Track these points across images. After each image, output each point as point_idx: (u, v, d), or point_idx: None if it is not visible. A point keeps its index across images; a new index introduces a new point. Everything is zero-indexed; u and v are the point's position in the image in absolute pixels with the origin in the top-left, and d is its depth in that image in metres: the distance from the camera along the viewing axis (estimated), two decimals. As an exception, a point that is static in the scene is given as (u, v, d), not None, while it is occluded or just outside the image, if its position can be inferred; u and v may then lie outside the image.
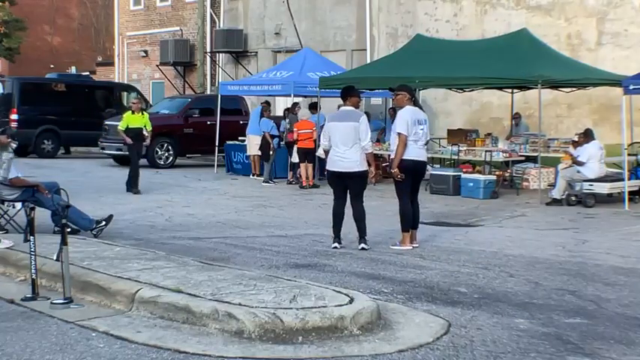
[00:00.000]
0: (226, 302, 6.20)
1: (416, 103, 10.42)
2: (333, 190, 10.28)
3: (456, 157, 17.62)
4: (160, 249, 9.29)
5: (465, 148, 17.86)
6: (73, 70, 36.78)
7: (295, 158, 18.50)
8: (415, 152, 10.01)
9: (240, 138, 21.71)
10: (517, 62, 15.99)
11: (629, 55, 20.05)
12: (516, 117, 19.98)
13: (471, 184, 16.24)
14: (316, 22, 27.44)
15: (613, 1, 20.86)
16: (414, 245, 10.15)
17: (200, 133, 23.14)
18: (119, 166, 23.15)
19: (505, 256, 9.77)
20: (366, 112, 22.19)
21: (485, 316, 6.76)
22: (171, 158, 23.14)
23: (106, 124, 23.65)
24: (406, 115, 9.99)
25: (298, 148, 18.23)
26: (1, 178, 9.47)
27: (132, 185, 16.14)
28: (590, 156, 14.94)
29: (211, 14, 31.13)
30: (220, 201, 15.39)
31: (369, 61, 23.98)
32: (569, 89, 18.37)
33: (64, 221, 7.16)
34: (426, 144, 10.44)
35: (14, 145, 9.86)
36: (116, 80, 35.24)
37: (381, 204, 14.04)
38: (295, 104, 20.31)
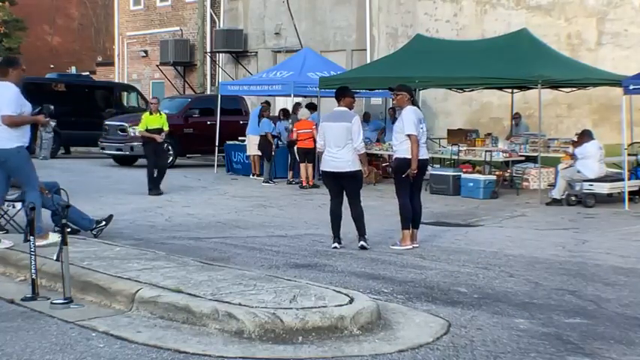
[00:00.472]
0: (226, 302, 6.20)
1: (414, 103, 10.45)
2: (329, 190, 10.33)
3: (456, 157, 17.63)
4: (160, 249, 9.29)
5: (465, 148, 17.87)
6: (73, 70, 36.79)
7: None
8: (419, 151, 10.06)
9: (240, 138, 21.72)
10: (517, 62, 15.99)
11: (629, 55, 20.05)
12: (516, 117, 19.98)
13: (471, 184, 16.25)
14: (316, 22, 27.44)
15: (613, 1, 20.87)
16: (415, 245, 10.16)
17: (200, 133, 23.14)
18: (119, 166, 23.17)
19: (505, 256, 9.77)
20: (366, 112, 22.38)
21: (485, 316, 6.76)
22: (171, 158, 23.11)
23: (106, 124, 23.66)
24: (412, 115, 10.02)
25: (298, 148, 18.24)
26: (42, 157, 9.44)
27: (153, 186, 15.88)
28: (587, 154, 14.93)
29: (211, 14, 31.13)
30: (220, 201, 15.40)
31: (369, 61, 23.99)
32: (569, 89, 18.37)
33: (64, 221, 7.16)
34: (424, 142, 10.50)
35: (53, 124, 9.71)
36: (116, 80, 35.25)
37: (381, 204, 14.05)
38: (298, 104, 20.32)
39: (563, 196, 15.01)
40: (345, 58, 25.94)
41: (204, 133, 22.80)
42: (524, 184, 17.43)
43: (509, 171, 17.66)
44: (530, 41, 17.09)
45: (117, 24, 36.31)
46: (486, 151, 17.15)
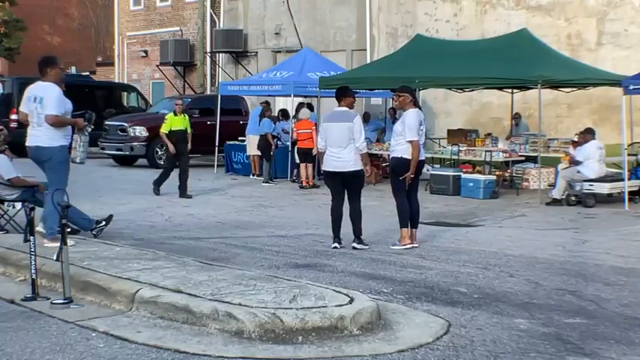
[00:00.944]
0: (226, 302, 6.20)
1: (416, 104, 10.44)
2: (331, 189, 10.34)
3: (456, 157, 17.62)
4: (159, 249, 9.29)
5: (465, 148, 17.86)
6: (73, 70, 36.75)
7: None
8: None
9: (240, 138, 21.72)
10: (517, 62, 15.98)
11: (629, 55, 20.05)
12: (516, 117, 19.98)
13: (471, 184, 16.25)
14: (316, 22, 27.44)
15: (613, 1, 20.87)
16: (414, 245, 10.16)
17: (200, 133, 23.04)
18: (119, 166, 23.18)
19: (505, 256, 9.77)
20: (366, 112, 22.39)
21: (485, 316, 6.76)
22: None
23: (106, 124, 23.66)
24: (414, 120, 9.98)
25: (298, 148, 18.24)
26: (79, 160, 9.63)
27: (181, 191, 15.62)
28: (587, 155, 14.94)
29: (211, 14, 31.13)
30: (220, 201, 15.40)
31: (369, 61, 23.99)
32: (569, 89, 18.37)
33: (64, 221, 7.16)
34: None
35: (89, 129, 9.90)
36: (116, 80, 35.24)
37: (381, 204, 14.05)
38: (301, 104, 20.31)
39: (563, 196, 15.01)
40: (345, 58, 25.94)
41: (204, 133, 22.71)
42: (524, 184, 17.42)
43: (509, 171, 17.65)
44: (530, 41, 17.09)
45: (117, 24, 36.30)
46: (486, 151, 17.15)
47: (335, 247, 10.03)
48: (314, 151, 17.30)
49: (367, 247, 10.06)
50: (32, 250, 7.17)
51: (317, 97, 20.17)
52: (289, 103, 21.30)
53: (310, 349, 5.71)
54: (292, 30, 27.82)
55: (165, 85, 33.22)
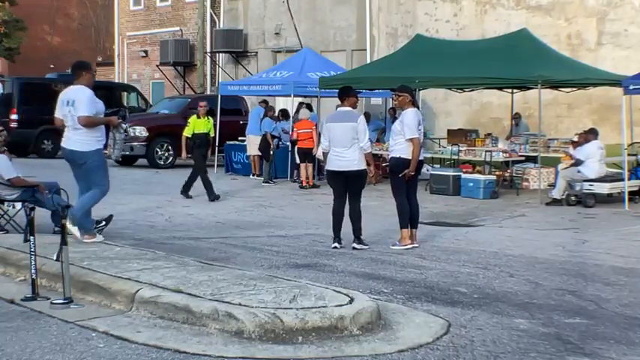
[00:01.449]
0: (226, 302, 6.20)
1: (415, 104, 10.46)
2: (333, 189, 10.34)
3: (456, 157, 17.62)
4: (159, 249, 9.29)
5: (465, 148, 17.86)
6: (73, 70, 36.72)
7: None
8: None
9: (240, 138, 21.71)
10: (517, 62, 15.99)
11: (629, 55, 20.06)
12: (516, 117, 19.99)
13: (471, 184, 16.25)
14: (316, 22, 27.44)
15: (613, 1, 20.87)
16: (414, 245, 10.17)
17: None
18: (119, 166, 23.16)
19: (505, 256, 9.77)
20: (366, 112, 22.41)
21: (486, 316, 6.76)
22: (171, 158, 23.12)
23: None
24: (413, 119, 10.02)
25: (298, 148, 18.25)
26: (115, 157, 9.88)
27: (209, 194, 15.29)
28: (588, 155, 14.94)
29: (211, 14, 31.13)
30: (220, 201, 15.38)
31: (369, 61, 23.99)
32: (569, 89, 18.37)
33: (64, 221, 7.16)
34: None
35: (124, 127, 10.18)
36: (116, 80, 35.23)
37: (381, 204, 14.05)
38: (302, 104, 20.32)
39: (563, 196, 15.01)
40: (345, 58, 25.94)
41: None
42: (524, 184, 17.43)
43: (509, 171, 17.65)
44: (530, 41, 17.09)
45: (117, 24, 36.29)
46: (486, 151, 17.15)
47: (335, 247, 10.03)
48: (314, 151, 17.31)
49: (367, 247, 10.06)
50: (32, 250, 7.17)
51: (317, 97, 20.16)
52: (289, 103, 21.30)
53: (310, 349, 5.70)
54: (292, 30, 27.82)
55: (165, 85, 33.23)
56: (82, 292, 7.08)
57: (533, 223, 12.80)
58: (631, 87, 14.77)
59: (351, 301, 6.34)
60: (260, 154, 19.55)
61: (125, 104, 28.36)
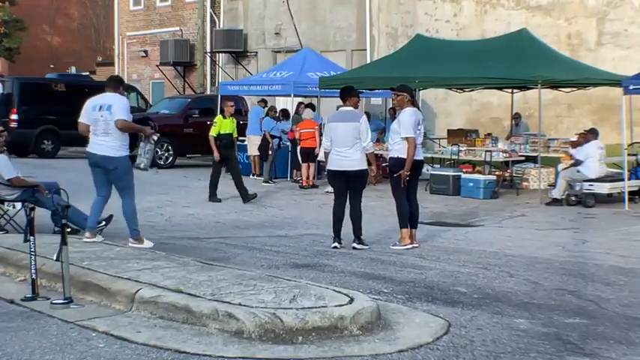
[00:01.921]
0: (226, 302, 6.20)
1: (414, 104, 10.46)
2: (334, 189, 10.34)
3: (456, 157, 17.63)
4: (160, 249, 9.30)
5: (465, 148, 17.87)
6: (72, 70, 36.76)
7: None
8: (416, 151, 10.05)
9: (240, 138, 21.68)
10: (517, 62, 15.99)
11: (629, 55, 20.05)
12: (516, 117, 19.99)
13: (471, 184, 16.25)
14: (316, 22, 27.44)
15: (613, 1, 20.86)
16: (414, 245, 10.17)
17: (200, 133, 23.07)
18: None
19: (505, 256, 9.77)
20: (366, 112, 22.30)
21: (486, 316, 6.75)
22: (171, 158, 23.11)
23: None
24: (409, 119, 10.03)
25: (300, 147, 18.24)
26: (144, 166, 10.18)
27: (243, 194, 15.13)
28: (588, 155, 14.95)
29: (211, 14, 31.12)
30: (220, 201, 15.37)
31: (369, 61, 23.98)
32: (569, 89, 18.37)
33: (64, 221, 7.16)
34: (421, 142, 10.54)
35: (155, 138, 10.45)
36: (116, 80, 35.17)
37: (381, 204, 14.05)
38: (301, 104, 20.33)
39: (563, 196, 15.01)
40: (345, 58, 25.94)
41: (204, 133, 22.72)
42: (524, 184, 17.43)
43: (509, 171, 17.65)
44: (530, 41, 17.09)
45: (117, 24, 36.28)
46: (486, 151, 17.15)
47: (335, 247, 10.03)
48: (316, 151, 17.31)
49: (367, 247, 10.06)
50: (32, 250, 7.17)
51: (317, 97, 20.16)
52: (289, 103, 21.30)
53: (310, 349, 5.70)
54: (292, 30, 27.82)
55: (165, 85, 33.21)
56: (82, 292, 7.08)
57: (533, 223, 12.80)
58: (631, 87, 14.78)
59: (351, 301, 6.33)
60: (259, 153, 19.54)
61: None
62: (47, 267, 7.51)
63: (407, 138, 9.95)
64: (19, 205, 10.12)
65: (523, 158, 17.81)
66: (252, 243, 10.60)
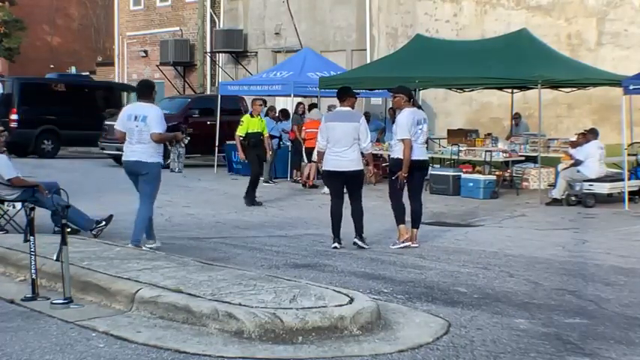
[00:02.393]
0: (226, 302, 6.20)
1: (415, 104, 10.47)
2: (331, 189, 10.34)
3: (456, 157, 17.63)
4: (160, 249, 9.30)
5: (465, 148, 17.87)
6: (73, 70, 36.77)
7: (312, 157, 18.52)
8: (412, 152, 10.05)
9: (240, 138, 21.68)
10: (517, 62, 15.99)
11: (629, 55, 20.05)
12: (516, 117, 19.99)
13: (471, 184, 16.25)
14: (316, 22, 27.44)
15: (613, 1, 20.86)
16: (414, 245, 10.17)
17: (200, 133, 23.09)
18: (119, 166, 23.13)
19: (505, 256, 9.77)
20: (366, 112, 22.44)
21: (486, 316, 6.76)
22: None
23: (106, 124, 23.65)
24: (405, 119, 10.07)
25: (305, 147, 18.25)
26: (178, 170, 10.41)
27: (248, 196, 14.72)
28: (587, 155, 14.95)
29: (211, 14, 31.12)
30: (220, 201, 15.39)
31: (369, 61, 23.98)
32: (569, 89, 18.37)
33: (64, 221, 7.16)
34: (426, 142, 10.52)
35: (186, 141, 10.82)
36: (116, 80, 35.24)
37: (381, 204, 14.01)
38: (300, 104, 20.32)
39: (563, 196, 15.01)
40: (345, 58, 25.94)
41: (204, 133, 22.76)
42: (524, 184, 17.43)
43: (509, 171, 17.65)
44: (530, 41, 17.09)
45: (117, 24, 36.28)
46: (486, 151, 17.15)
47: (335, 247, 10.03)
48: (320, 147, 17.30)
49: (367, 247, 10.06)
50: (32, 250, 7.17)
51: (317, 97, 20.16)
52: (289, 103, 21.30)
53: (310, 349, 5.70)
54: (292, 30, 27.81)
55: (165, 85, 33.19)
56: (82, 292, 7.08)
57: (533, 223, 12.80)
58: (631, 87, 14.78)
59: (351, 301, 6.34)
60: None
61: (125, 104, 28.37)
62: (47, 267, 7.51)
63: (402, 140, 9.97)
64: (19, 205, 10.13)
65: (523, 158, 17.81)
66: (252, 243, 10.60)
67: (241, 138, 15.10)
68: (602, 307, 7.20)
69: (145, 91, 9.87)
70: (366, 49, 25.55)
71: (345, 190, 10.23)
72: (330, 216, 10.19)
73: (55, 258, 7.04)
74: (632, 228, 12.36)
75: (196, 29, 30.99)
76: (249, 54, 30.02)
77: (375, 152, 18.97)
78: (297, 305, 6.14)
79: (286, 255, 9.66)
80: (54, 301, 6.84)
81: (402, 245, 10.06)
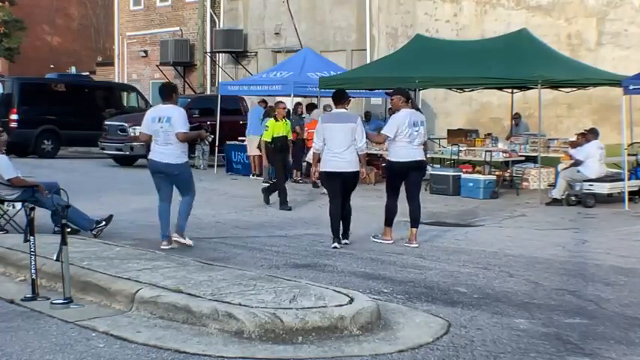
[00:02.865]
0: (226, 302, 6.20)
1: (413, 105, 10.54)
2: (329, 190, 10.41)
3: (456, 157, 17.62)
4: (159, 249, 9.30)
5: (465, 148, 17.86)
6: (72, 70, 36.77)
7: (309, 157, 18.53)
8: (406, 153, 10.20)
9: (240, 138, 21.70)
10: (517, 62, 15.98)
11: (629, 55, 20.05)
12: (516, 117, 19.98)
13: (471, 184, 16.25)
14: (316, 22, 27.44)
15: (613, 1, 20.87)
16: (414, 245, 10.19)
17: (200, 133, 23.10)
18: (119, 166, 23.17)
19: (505, 256, 9.77)
20: (366, 112, 22.43)
21: (486, 316, 6.76)
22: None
23: (106, 124, 23.66)
24: (399, 119, 10.24)
25: (307, 147, 18.24)
26: (203, 167, 10.75)
27: (282, 202, 14.36)
28: (587, 155, 14.95)
29: (211, 14, 31.12)
30: (220, 201, 15.39)
31: (369, 61, 23.99)
32: (569, 89, 18.37)
33: (64, 221, 7.16)
34: (424, 144, 10.56)
35: (210, 139, 11.06)
36: (116, 80, 35.23)
37: (380, 204, 13.97)
38: (299, 104, 20.32)
39: (563, 196, 15.01)
40: (345, 58, 25.94)
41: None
42: (524, 184, 17.42)
43: (509, 171, 17.65)
44: (530, 41, 17.08)
45: (117, 24, 36.28)
46: (486, 151, 17.15)
47: (335, 247, 10.04)
48: (315, 148, 17.31)
49: (349, 242, 10.33)
50: (32, 250, 7.17)
51: (317, 97, 20.16)
52: (289, 103, 21.28)
53: (310, 349, 5.70)
54: (292, 30, 27.82)
55: (165, 85, 33.19)
56: (82, 292, 7.08)
57: (533, 223, 12.80)
58: (631, 87, 14.77)
59: (351, 301, 6.34)
60: (260, 153, 19.53)
61: (125, 104, 28.38)
62: (47, 267, 7.51)
63: (382, 134, 10.37)
64: (19, 205, 10.13)
65: (523, 158, 17.81)
66: (252, 243, 10.60)
67: (269, 143, 14.91)
68: (602, 307, 7.20)
69: (168, 93, 10.05)
70: (366, 49, 25.56)
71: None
72: (330, 216, 10.22)
73: (55, 258, 7.04)
74: (632, 228, 12.36)
75: (196, 29, 30.99)
76: (249, 54, 30.03)
77: (375, 152, 19.05)
78: (297, 305, 6.14)
79: (286, 255, 9.67)
80: (54, 301, 6.84)
81: (381, 241, 10.35)
